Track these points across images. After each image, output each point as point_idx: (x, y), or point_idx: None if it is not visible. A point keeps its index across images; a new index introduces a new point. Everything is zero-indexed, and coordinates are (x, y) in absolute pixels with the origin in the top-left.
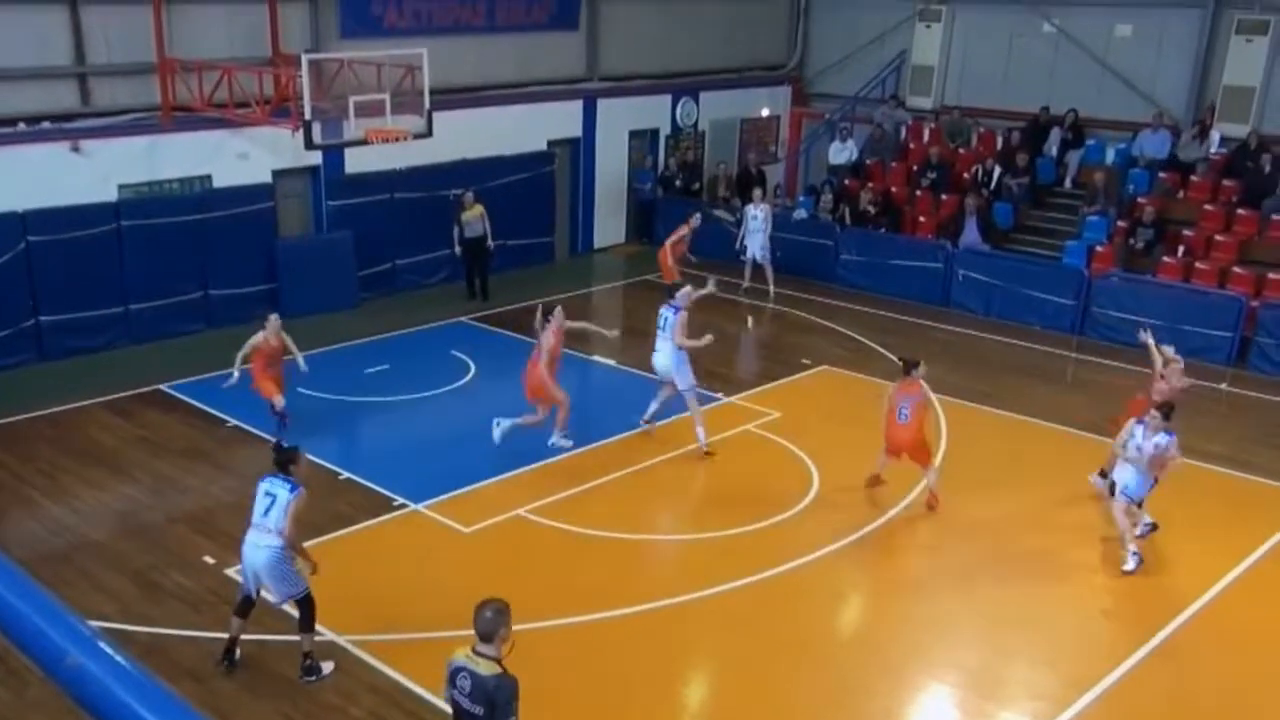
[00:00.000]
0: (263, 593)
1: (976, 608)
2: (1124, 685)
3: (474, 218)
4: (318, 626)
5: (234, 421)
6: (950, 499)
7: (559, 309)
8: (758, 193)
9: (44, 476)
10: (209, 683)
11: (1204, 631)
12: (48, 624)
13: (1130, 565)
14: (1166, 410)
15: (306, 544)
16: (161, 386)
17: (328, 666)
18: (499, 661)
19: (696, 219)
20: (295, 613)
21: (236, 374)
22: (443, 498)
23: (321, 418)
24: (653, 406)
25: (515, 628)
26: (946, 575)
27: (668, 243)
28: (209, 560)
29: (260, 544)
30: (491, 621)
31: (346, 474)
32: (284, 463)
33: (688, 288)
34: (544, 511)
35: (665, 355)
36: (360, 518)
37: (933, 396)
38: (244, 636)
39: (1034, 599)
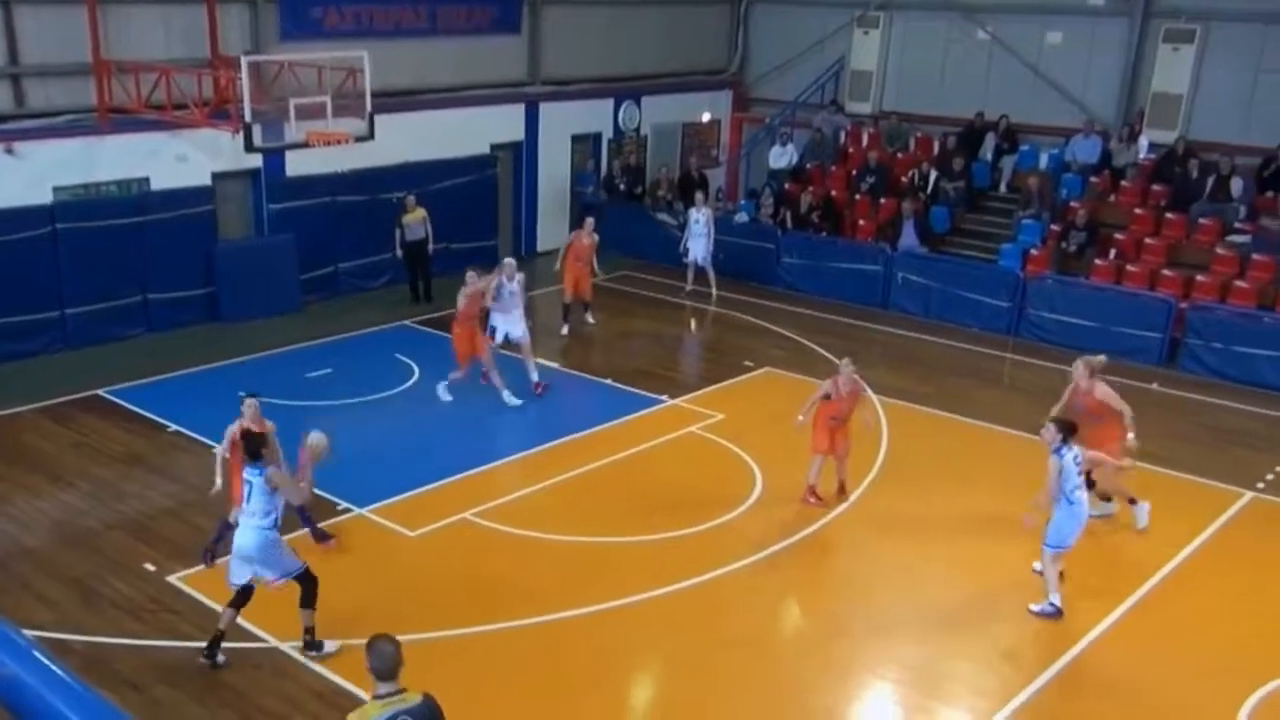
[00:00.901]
0: (255, 580)
1: (918, 606)
2: (1063, 680)
3: (415, 220)
4: (260, 632)
5: (175, 427)
6: (891, 499)
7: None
8: (699, 196)
9: None
10: (149, 691)
11: (1140, 626)
12: None
13: (1036, 608)
14: (1062, 425)
15: None
16: (100, 392)
17: (331, 645)
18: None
19: (589, 224)
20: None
21: (219, 481)
22: (388, 502)
23: None
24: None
25: (465, 631)
26: (888, 574)
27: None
28: (149, 567)
29: (249, 526)
30: (396, 655)
31: None
32: (254, 451)
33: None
34: (490, 515)
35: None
36: (300, 523)
37: (820, 389)
38: (188, 644)
39: (974, 597)
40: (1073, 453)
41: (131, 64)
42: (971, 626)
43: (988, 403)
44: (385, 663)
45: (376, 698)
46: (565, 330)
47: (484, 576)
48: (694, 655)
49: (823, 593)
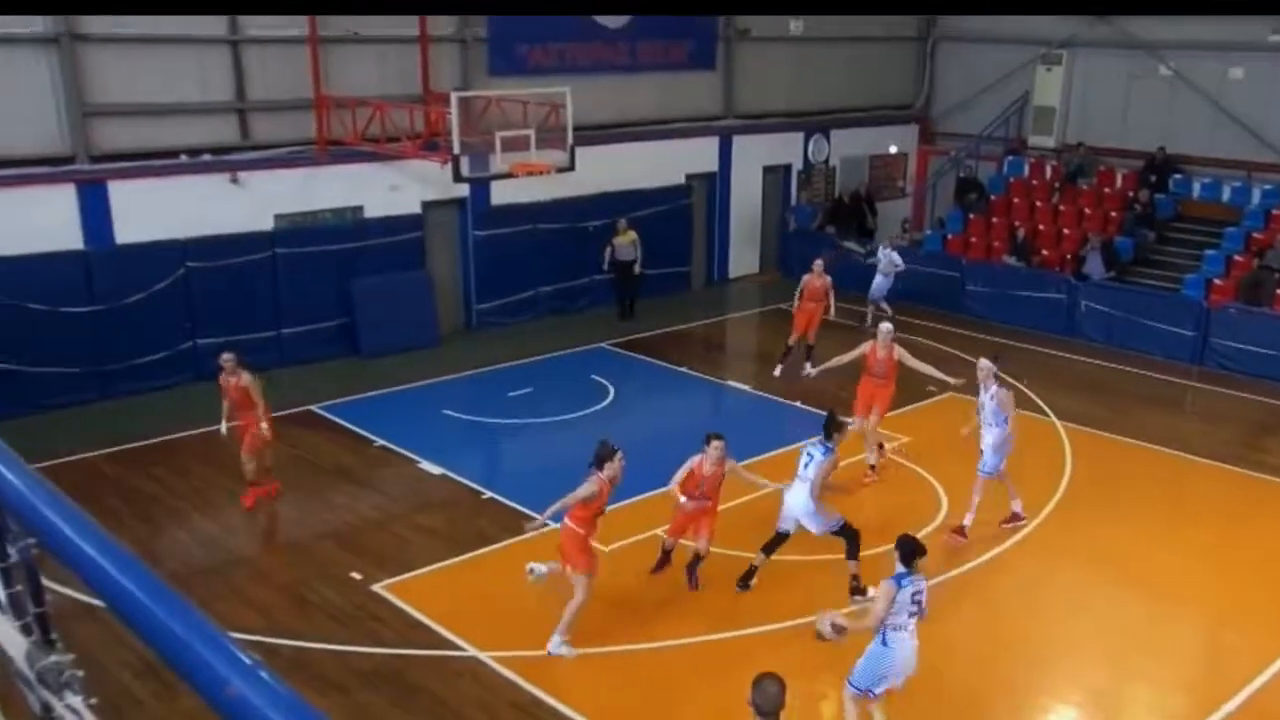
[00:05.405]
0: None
1: (1099, 629)
2: (1251, 706)
3: (625, 243)
4: (462, 641)
5: (381, 442)
6: (1072, 522)
7: None
8: (888, 236)
9: (197, 493)
10: (354, 695)
11: None
12: (209, 652)
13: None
14: (908, 547)
15: (466, 556)
16: (312, 407)
17: (872, 591)
18: None
19: (819, 265)
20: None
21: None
22: None
23: (466, 438)
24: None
25: (648, 645)
26: (1068, 598)
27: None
28: (356, 576)
29: (799, 492)
30: (779, 696)
31: (489, 493)
32: (829, 430)
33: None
34: None
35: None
36: (502, 536)
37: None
38: (391, 651)
39: (1157, 621)
40: (914, 587)
41: (348, 99)
42: (1153, 651)
43: (1169, 429)
44: (768, 701)
45: None
46: (778, 371)
47: (674, 592)
48: None
49: (1004, 615)
